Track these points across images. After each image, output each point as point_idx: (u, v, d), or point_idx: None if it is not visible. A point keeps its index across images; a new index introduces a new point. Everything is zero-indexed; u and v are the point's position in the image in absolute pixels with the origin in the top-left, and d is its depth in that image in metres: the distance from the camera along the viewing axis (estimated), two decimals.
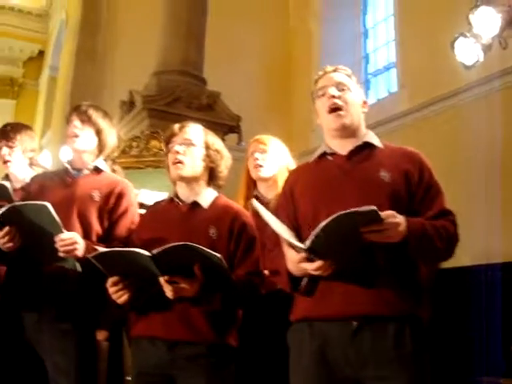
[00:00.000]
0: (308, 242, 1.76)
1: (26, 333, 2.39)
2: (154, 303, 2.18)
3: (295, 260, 1.86)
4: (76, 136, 2.59)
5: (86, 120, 2.61)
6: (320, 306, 1.92)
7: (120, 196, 2.56)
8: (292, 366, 2.02)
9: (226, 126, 6.13)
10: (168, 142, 2.46)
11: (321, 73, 2.21)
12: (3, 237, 2.26)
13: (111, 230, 2.52)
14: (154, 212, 2.50)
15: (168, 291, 2.05)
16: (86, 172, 2.62)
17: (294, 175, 2.29)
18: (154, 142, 5.08)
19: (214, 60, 7.44)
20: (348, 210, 1.69)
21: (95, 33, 10.41)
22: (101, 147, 2.66)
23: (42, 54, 15.19)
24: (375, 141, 2.14)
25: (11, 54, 14.82)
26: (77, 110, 2.65)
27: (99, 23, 10.43)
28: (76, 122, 2.60)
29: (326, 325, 1.91)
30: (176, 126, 2.46)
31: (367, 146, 2.11)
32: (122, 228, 2.52)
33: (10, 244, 2.28)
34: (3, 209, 2.24)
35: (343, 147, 2.11)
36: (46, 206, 2.19)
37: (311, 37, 10.62)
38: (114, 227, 2.53)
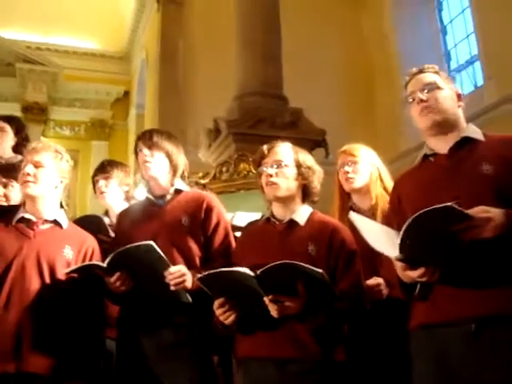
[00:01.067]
0: (397, 252, 1.73)
1: (146, 360, 2.43)
2: (259, 323, 2.18)
3: (399, 268, 1.83)
4: (148, 163, 2.61)
5: (153, 145, 2.62)
6: (434, 312, 1.87)
7: (208, 210, 2.57)
8: (415, 376, 1.96)
9: (311, 141, 6.08)
10: (259, 164, 2.45)
11: (408, 77, 2.18)
12: (115, 282, 2.33)
13: (209, 247, 2.54)
14: (251, 235, 2.51)
15: (273, 310, 2.05)
16: (168, 197, 2.64)
17: (399, 183, 2.25)
18: (242, 165, 5.14)
19: (293, 77, 7.47)
20: (422, 210, 1.66)
21: (175, 66, 10.74)
22: (174, 168, 2.67)
23: (127, 94, 15.81)
24: (476, 134, 2.07)
25: (98, 97, 15.54)
26: (141, 138, 2.68)
27: (178, 56, 10.75)
28: (144, 149, 2.62)
29: (443, 330, 1.84)
30: (265, 148, 2.45)
31: (467, 140, 2.04)
32: (219, 241, 2.54)
33: (123, 288, 2.35)
34: (111, 255, 2.30)
35: (443, 145, 2.06)
36: (150, 245, 2.24)
37: (388, 41, 10.50)
38: (211, 243, 2.54)
